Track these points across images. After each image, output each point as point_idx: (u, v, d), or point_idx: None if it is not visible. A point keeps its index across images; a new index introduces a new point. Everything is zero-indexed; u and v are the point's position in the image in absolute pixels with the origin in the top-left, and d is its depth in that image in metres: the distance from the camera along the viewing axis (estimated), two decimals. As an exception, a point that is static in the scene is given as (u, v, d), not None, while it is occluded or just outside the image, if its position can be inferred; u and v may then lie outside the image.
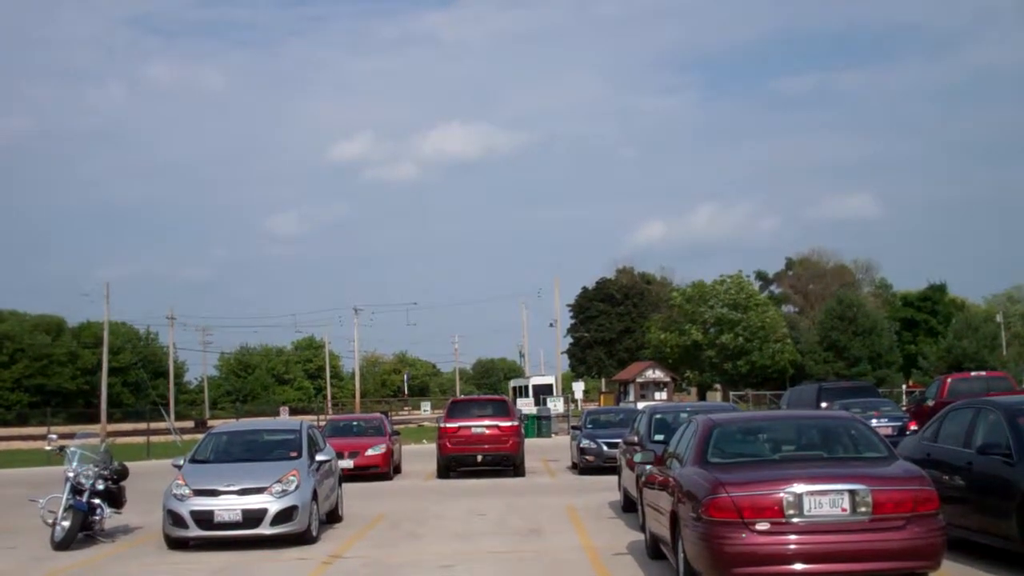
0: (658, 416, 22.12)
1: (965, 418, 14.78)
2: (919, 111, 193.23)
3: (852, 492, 10.90)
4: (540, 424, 58.39)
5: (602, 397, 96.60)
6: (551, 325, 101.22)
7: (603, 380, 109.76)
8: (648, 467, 15.31)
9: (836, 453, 12.39)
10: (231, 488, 17.66)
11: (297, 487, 17.85)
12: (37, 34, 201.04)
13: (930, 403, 32.57)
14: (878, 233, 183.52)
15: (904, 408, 38.35)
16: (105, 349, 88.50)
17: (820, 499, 10.88)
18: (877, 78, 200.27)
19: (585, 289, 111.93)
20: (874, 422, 27.96)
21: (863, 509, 10.86)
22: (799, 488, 10.91)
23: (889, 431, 28.00)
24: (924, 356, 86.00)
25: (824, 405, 34.21)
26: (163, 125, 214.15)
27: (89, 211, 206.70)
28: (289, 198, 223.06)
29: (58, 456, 20.49)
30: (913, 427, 27.59)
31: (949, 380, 34.64)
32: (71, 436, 21.97)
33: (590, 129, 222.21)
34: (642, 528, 16.13)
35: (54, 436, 22.97)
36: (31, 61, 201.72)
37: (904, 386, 76.33)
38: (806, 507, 10.85)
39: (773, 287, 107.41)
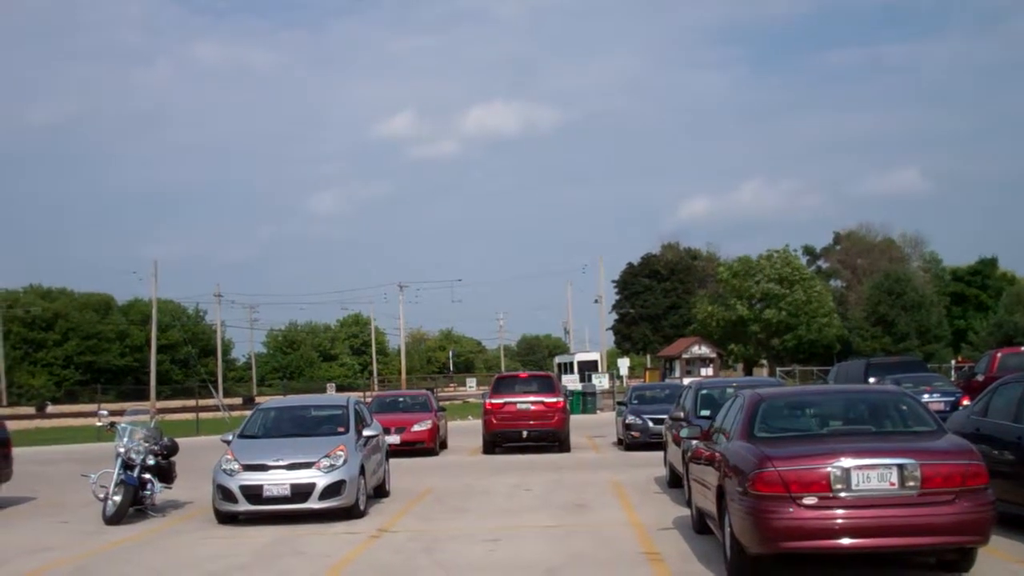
0: (704, 391, 22.04)
1: (1015, 393, 14.68)
2: (969, 85, 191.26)
3: (900, 466, 10.82)
4: (585, 400, 58.41)
5: (647, 373, 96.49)
6: (596, 301, 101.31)
7: (648, 356, 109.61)
8: (694, 442, 15.30)
9: (884, 427, 12.32)
10: (280, 463, 17.79)
11: (345, 462, 17.96)
12: (86, 14, 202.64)
13: (980, 378, 32.19)
14: (927, 208, 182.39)
15: (954, 383, 37.98)
16: (154, 326, 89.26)
17: (868, 473, 10.81)
18: (926, 51, 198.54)
19: (630, 265, 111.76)
20: (925, 397, 27.75)
21: (911, 484, 10.78)
22: (847, 462, 10.84)
23: (941, 406, 27.71)
24: (974, 331, 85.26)
25: (872, 380, 33.97)
26: (210, 105, 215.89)
27: (137, 190, 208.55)
28: (334, 176, 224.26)
29: (109, 432, 20.72)
30: (966, 402, 27.33)
31: (999, 355, 34.19)
32: (121, 413, 22.19)
33: (634, 105, 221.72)
34: (688, 503, 16.14)
35: (105, 412, 23.28)
36: (79, 41, 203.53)
37: (953, 361, 75.69)
38: (854, 481, 10.79)
39: (821, 262, 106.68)
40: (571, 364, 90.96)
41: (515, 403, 31.14)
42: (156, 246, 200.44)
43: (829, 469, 10.84)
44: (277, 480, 17.65)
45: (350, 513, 17.97)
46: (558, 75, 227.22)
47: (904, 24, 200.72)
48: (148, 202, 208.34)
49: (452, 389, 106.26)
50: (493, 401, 31.43)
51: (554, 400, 31.27)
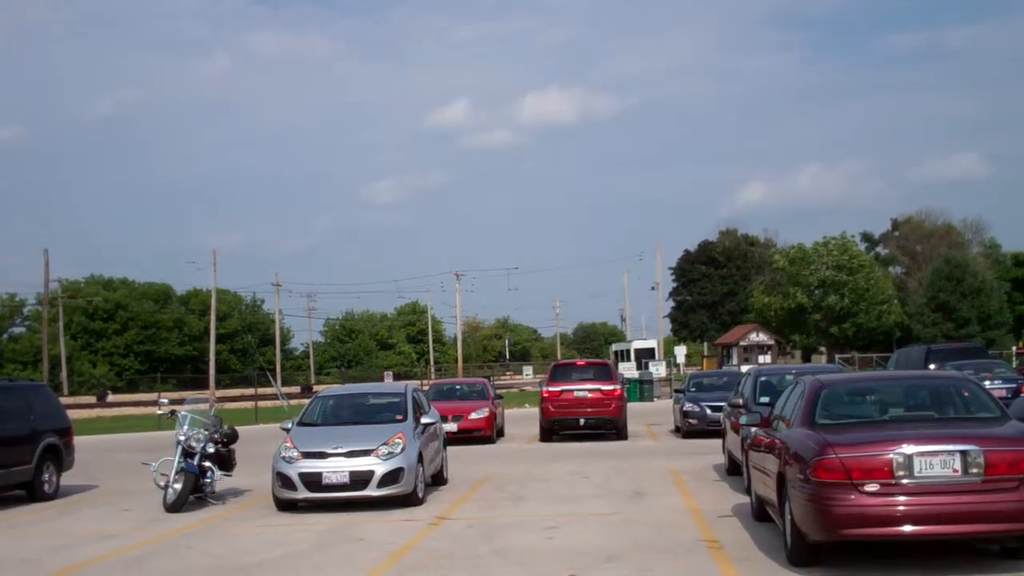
0: (763, 378, 21.91)
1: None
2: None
3: (964, 453, 10.70)
4: (642, 388, 58.24)
5: (705, 360, 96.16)
6: (652, 289, 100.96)
7: (705, 344, 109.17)
8: (753, 429, 15.19)
9: (946, 413, 12.19)
10: (339, 451, 17.86)
11: (403, 449, 18.00)
12: (145, 6, 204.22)
13: (1042, 364, 31.87)
14: (987, 192, 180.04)
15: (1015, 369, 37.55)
16: (213, 316, 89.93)
17: (931, 460, 10.70)
18: (988, 32, 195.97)
19: (687, 252, 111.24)
20: (987, 383, 27.41)
21: (975, 470, 10.66)
22: (909, 449, 10.74)
23: (1003, 393, 27.38)
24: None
25: (932, 367, 33.67)
26: (268, 94, 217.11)
27: (197, 180, 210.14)
28: (391, 165, 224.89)
29: (169, 420, 20.91)
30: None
31: (1062, 341, 33.83)
32: (181, 401, 22.36)
33: (691, 90, 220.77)
34: (747, 491, 16.05)
35: (165, 400, 23.44)
36: (140, 32, 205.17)
37: (1014, 348, 74.79)
38: (916, 468, 10.69)
39: (879, 248, 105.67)
40: (628, 352, 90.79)
41: (572, 391, 31.09)
42: (215, 236, 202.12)
43: (891, 456, 10.74)
44: (336, 467, 17.71)
45: (408, 501, 18.01)
46: (614, 61, 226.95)
47: (965, 5, 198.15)
48: (207, 192, 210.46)
49: (509, 377, 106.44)
50: (550, 389, 31.41)
51: (611, 388, 31.19)
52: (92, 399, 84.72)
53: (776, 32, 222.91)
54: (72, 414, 26.89)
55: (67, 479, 22.81)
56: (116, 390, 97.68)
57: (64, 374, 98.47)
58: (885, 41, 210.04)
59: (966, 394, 12.44)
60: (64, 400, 41.13)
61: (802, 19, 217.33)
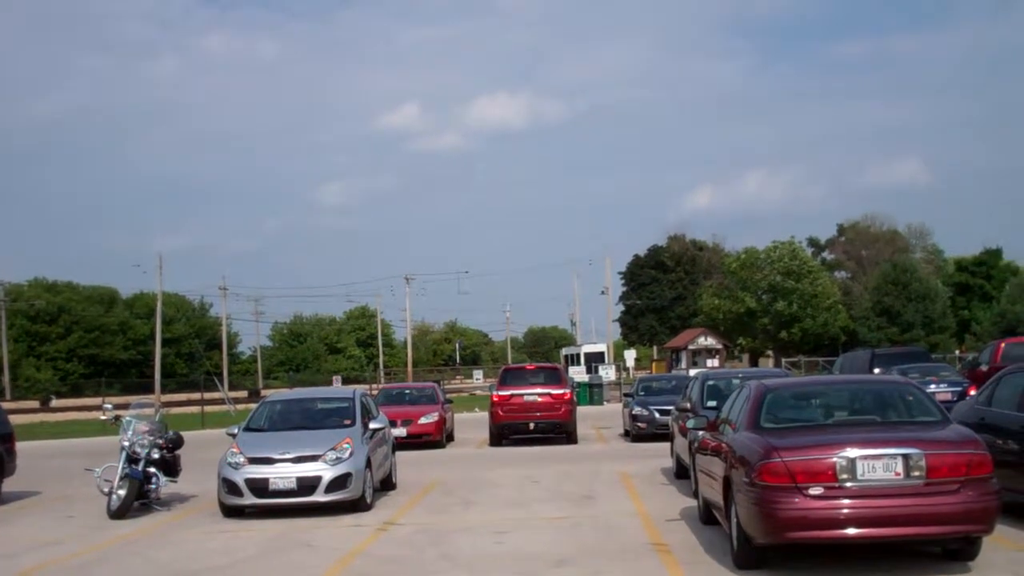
0: (711, 382, 22.00)
1: (1019, 382, 14.67)
2: (976, 73, 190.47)
3: (906, 456, 10.82)
4: (592, 392, 58.37)
5: (654, 364, 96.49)
6: (602, 293, 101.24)
7: (655, 347, 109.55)
8: (701, 433, 15.27)
9: (889, 418, 12.30)
10: (285, 456, 17.77)
11: (351, 455, 17.94)
12: (94, 7, 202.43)
13: (984, 368, 32.18)
14: (931, 198, 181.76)
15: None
16: (159, 320, 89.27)
17: (874, 463, 10.82)
18: (935, 40, 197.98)
19: (637, 256, 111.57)
20: (932, 387, 27.68)
21: (917, 473, 10.79)
22: (852, 452, 10.85)
23: (948, 396, 27.66)
24: (977, 321, 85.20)
25: (877, 371, 33.95)
26: (216, 97, 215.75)
27: (143, 183, 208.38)
28: (340, 168, 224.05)
29: (113, 426, 20.69)
30: (972, 392, 27.28)
31: (1003, 344, 34.14)
32: (126, 406, 22.17)
33: (641, 95, 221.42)
34: (695, 494, 16.13)
35: (109, 406, 23.19)
36: (87, 34, 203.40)
37: (957, 352, 75.61)
38: (859, 471, 10.80)
39: (825, 253, 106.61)
40: (578, 356, 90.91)
41: (522, 395, 31.11)
42: (161, 239, 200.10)
43: (835, 459, 10.84)
44: (283, 473, 17.62)
45: (356, 506, 17.96)
46: (565, 66, 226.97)
47: (912, 12, 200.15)
48: (153, 194, 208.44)
49: (459, 381, 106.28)
50: (500, 393, 31.40)
51: (561, 392, 31.26)
52: (35, 404, 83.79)
53: (724, 39, 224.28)
54: (15, 419, 26.62)
55: (9, 485, 22.53)
56: (60, 395, 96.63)
57: (7, 379, 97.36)
58: (831, 49, 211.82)
59: (909, 398, 12.56)
60: (7, 405, 40.72)
61: (749, 26, 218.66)
